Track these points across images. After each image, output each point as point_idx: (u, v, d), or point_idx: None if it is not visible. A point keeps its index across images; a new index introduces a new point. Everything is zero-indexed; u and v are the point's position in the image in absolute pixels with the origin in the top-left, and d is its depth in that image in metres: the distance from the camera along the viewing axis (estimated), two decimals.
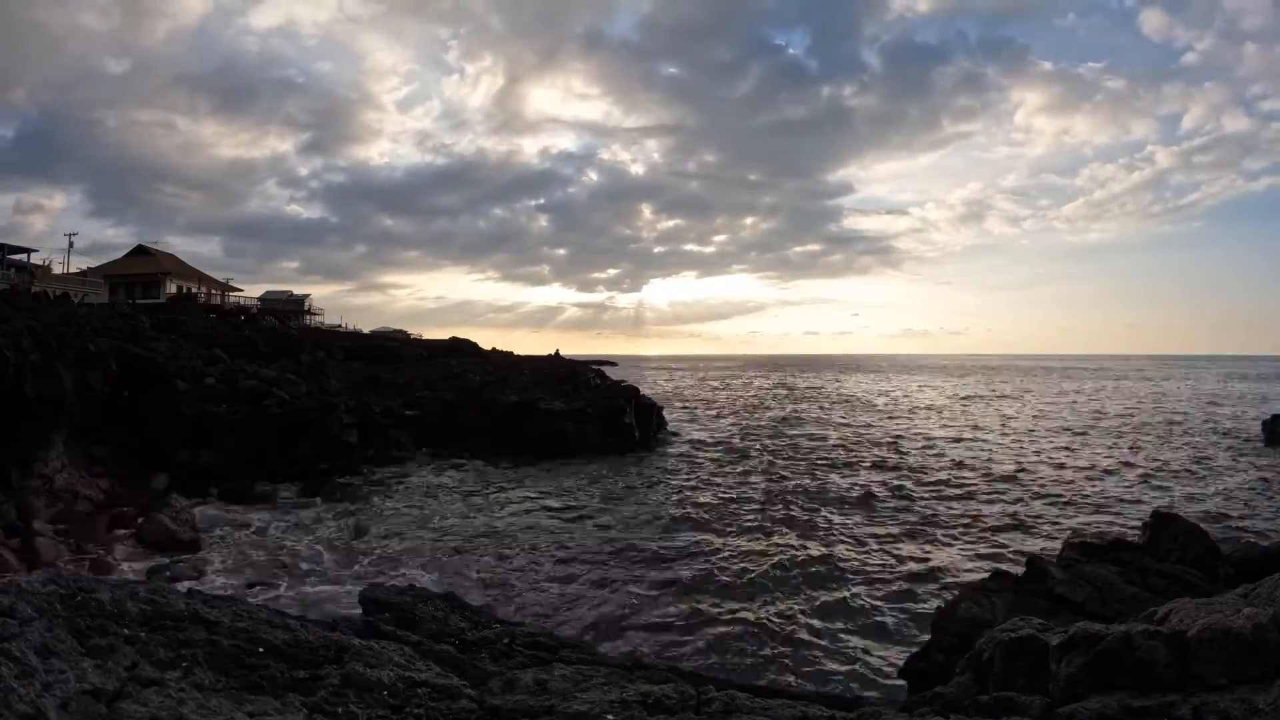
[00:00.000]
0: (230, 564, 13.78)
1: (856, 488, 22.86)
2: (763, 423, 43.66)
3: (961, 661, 5.44)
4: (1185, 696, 3.66)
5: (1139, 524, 9.55)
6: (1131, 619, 4.85)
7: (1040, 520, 18.67)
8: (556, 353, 65.63)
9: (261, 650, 3.39)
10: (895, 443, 34.22)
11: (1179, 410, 50.57)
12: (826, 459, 29.19)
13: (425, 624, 6.01)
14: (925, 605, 11.67)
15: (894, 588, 13.14)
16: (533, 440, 28.49)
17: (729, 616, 11.63)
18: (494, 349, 61.66)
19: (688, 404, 56.47)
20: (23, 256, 47.09)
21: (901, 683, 8.08)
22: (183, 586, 5.74)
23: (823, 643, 10.67)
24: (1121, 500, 21.36)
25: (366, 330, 64.77)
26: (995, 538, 16.90)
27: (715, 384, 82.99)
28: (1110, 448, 32.38)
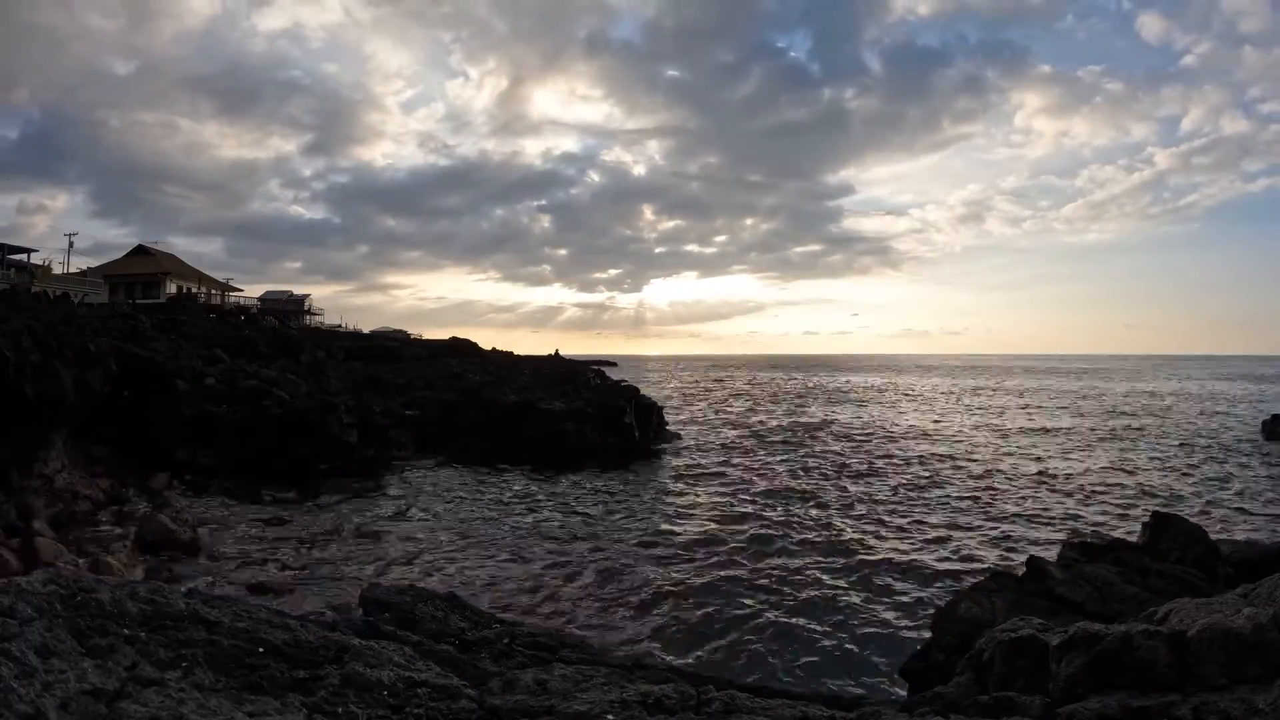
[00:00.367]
0: (230, 564, 13.77)
1: (857, 487, 22.86)
2: (763, 422, 43.65)
3: (961, 661, 5.44)
4: (1185, 696, 3.66)
5: (1139, 524, 9.56)
6: (1131, 619, 4.85)
7: (1040, 520, 18.68)
8: (556, 353, 65.68)
9: (261, 650, 3.38)
10: (896, 442, 34.22)
11: (1178, 410, 50.57)
12: (827, 459, 29.19)
13: (425, 624, 6.01)
14: (925, 605, 11.67)
15: (894, 587, 13.14)
16: (532, 440, 28.48)
17: (729, 616, 11.63)
18: (494, 349, 61.68)
19: (688, 404, 56.48)
20: (23, 256, 47.12)
21: (902, 683, 8.09)
22: (182, 587, 5.75)
23: (823, 643, 10.67)
24: (1121, 500, 21.36)
25: (366, 330, 64.81)
26: (995, 537, 16.90)
27: (715, 383, 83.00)
28: (1110, 448, 32.39)
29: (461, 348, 57.39)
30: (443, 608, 6.47)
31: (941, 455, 30.39)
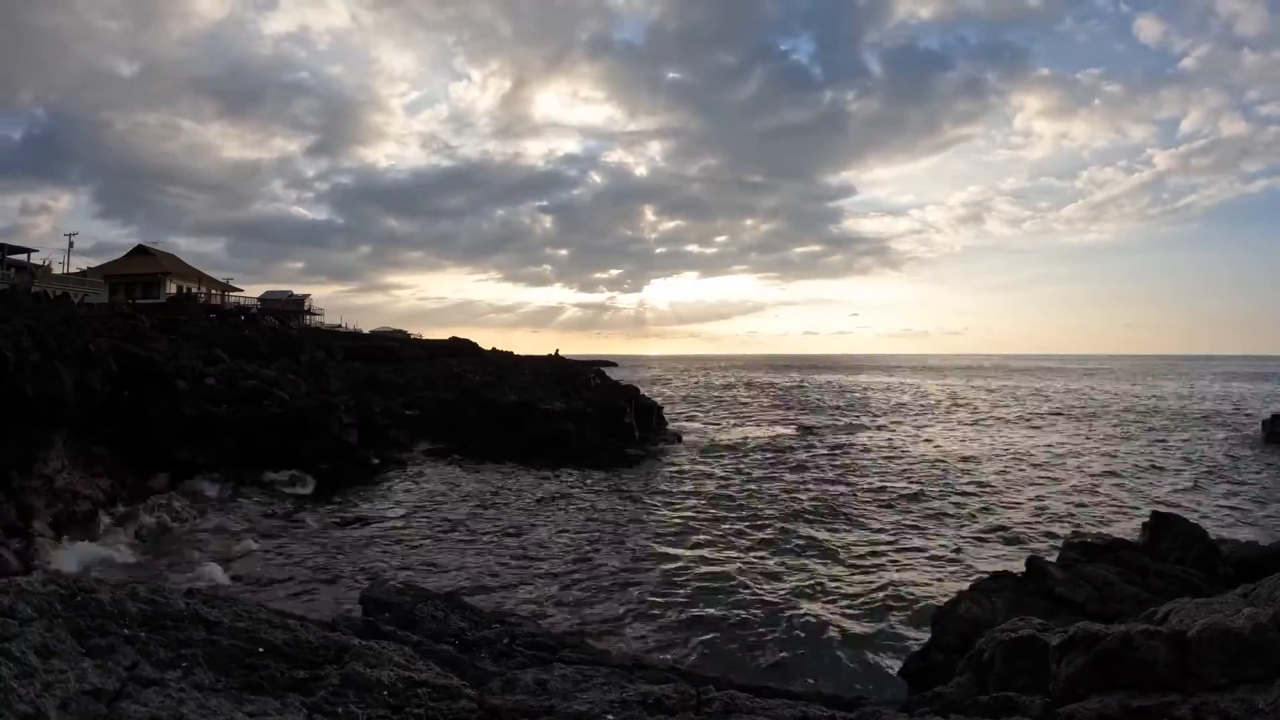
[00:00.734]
0: (230, 563, 13.77)
1: (857, 486, 22.86)
2: (763, 421, 43.66)
3: (962, 661, 5.44)
4: (1185, 696, 3.66)
5: (1139, 524, 9.56)
6: (1131, 619, 4.85)
7: (1040, 520, 18.67)
8: (556, 353, 65.65)
9: (261, 650, 3.39)
10: (895, 440, 34.23)
11: (1178, 410, 50.58)
12: (827, 458, 29.19)
13: (425, 624, 6.01)
14: (925, 605, 11.67)
15: (894, 587, 13.13)
16: (533, 440, 28.49)
17: (729, 616, 11.63)
18: (494, 349, 61.65)
19: (688, 404, 56.47)
20: (23, 256, 47.11)
21: (902, 683, 8.09)
22: (182, 586, 5.76)
23: (823, 643, 10.67)
24: (1121, 500, 21.36)
25: (366, 330, 64.79)
26: (995, 537, 16.90)
27: (715, 383, 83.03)
28: (1109, 447, 32.38)
29: (461, 348, 57.38)
30: (443, 608, 6.48)
31: (942, 454, 30.39)
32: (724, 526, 17.67)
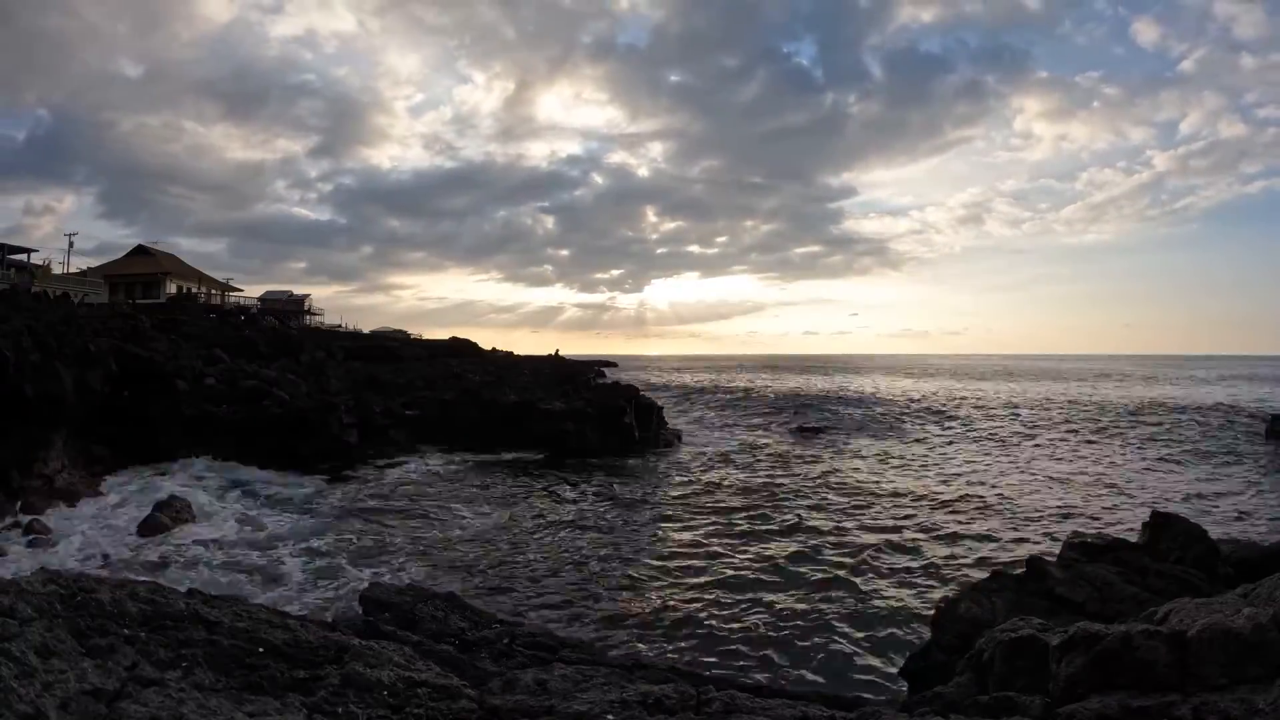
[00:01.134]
0: (230, 563, 13.76)
1: (857, 486, 22.87)
2: (763, 421, 43.66)
3: (962, 661, 5.44)
4: (1185, 696, 3.66)
5: (1139, 524, 9.55)
6: (1131, 619, 4.85)
7: (1040, 520, 18.67)
8: (557, 353, 65.71)
9: (261, 650, 3.39)
10: (895, 440, 34.24)
11: (1178, 410, 50.57)
12: (827, 458, 29.20)
13: (425, 624, 6.01)
14: (925, 605, 11.67)
15: (894, 588, 13.13)
16: (532, 440, 28.51)
17: (729, 616, 11.63)
18: (494, 349, 61.68)
19: (689, 404, 56.47)
20: (23, 256, 47.12)
21: (902, 683, 8.08)
22: (181, 585, 5.75)
23: (823, 643, 10.67)
24: (1121, 500, 21.36)
25: (366, 330, 64.76)
26: (995, 537, 16.89)
27: (715, 383, 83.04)
28: (1109, 447, 32.39)
29: (461, 348, 57.36)
30: (443, 607, 6.47)
31: (942, 454, 30.39)
32: (723, 526, 17.67)
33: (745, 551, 15.46)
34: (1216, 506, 20.36)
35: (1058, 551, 8.74)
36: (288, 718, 2.92)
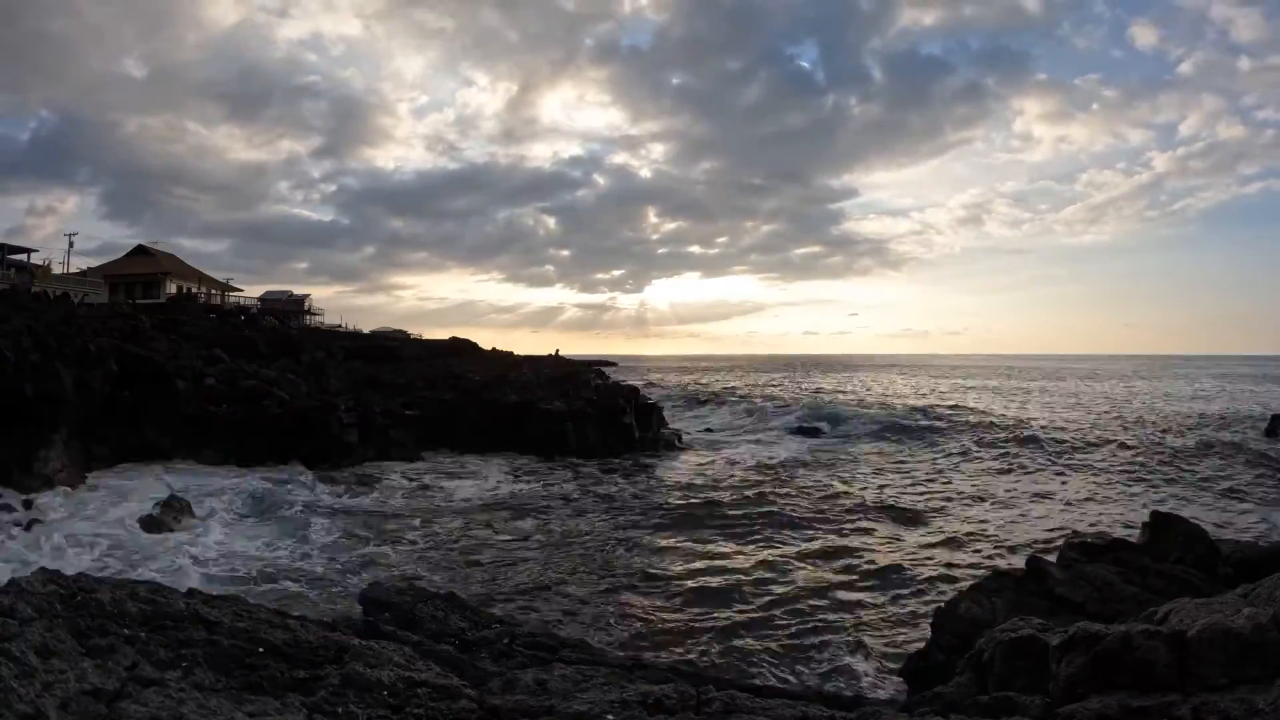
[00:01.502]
0: (229, 563, 13.76)
1: (857, 486, 22.87)
2: (761, 421, 43.64)
3: (962, 661, 5.44)
4: (1185, 696, 3.66)
5: (1139, 524, 9.55)
6: (1131, 619, 4.85)
7: (1040, 520, 18.67)
8: (557, 352, 65.67)
9: (261, 650, 3.39)
10: (893, 441, 34.22)
11: (1178, 409, 50.56)
12: (828, 458, 29.19)
13: (425, 624, 6.01)
14: (925, 605, 11.67)
15: (894, 588, 13.13)
16: (532, 440, 28.51)
17: (729, 616, 11.63)
18: (494, 349, 61.60)
19: (689, 403, 56.46)
20: (23, 256, 47.11)
21: (902, 683, 8.09)
22: (181, 585, 5.75)
23: (823, 643, 10.67)
24: (1120, 500, 21.36)
25: (366, 330, 64.71)
26: (995, 537, 16.89)
27: (715, 383, 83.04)
28: (1109, 447, 32.37)
29: (461, 347, 57.31)
30: (443, 607, 6.47)
31: (941, 455, 30.39)
32: (723, 526, 17.67)
33: (744, 551, 15.46)
34: (1217, 506, 20.35)
35: (1057, 552, 8.75)
36: (288, 718, 2.92)
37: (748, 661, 10.04)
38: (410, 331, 70.65)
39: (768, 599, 12.47)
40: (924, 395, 63.09)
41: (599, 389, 36.16)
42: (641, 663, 6.12)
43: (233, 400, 24.01)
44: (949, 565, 14.58)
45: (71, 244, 58.01)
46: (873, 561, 14.74)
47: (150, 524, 15.21)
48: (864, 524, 18.00)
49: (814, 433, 38.21)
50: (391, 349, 47.78)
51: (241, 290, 63.99)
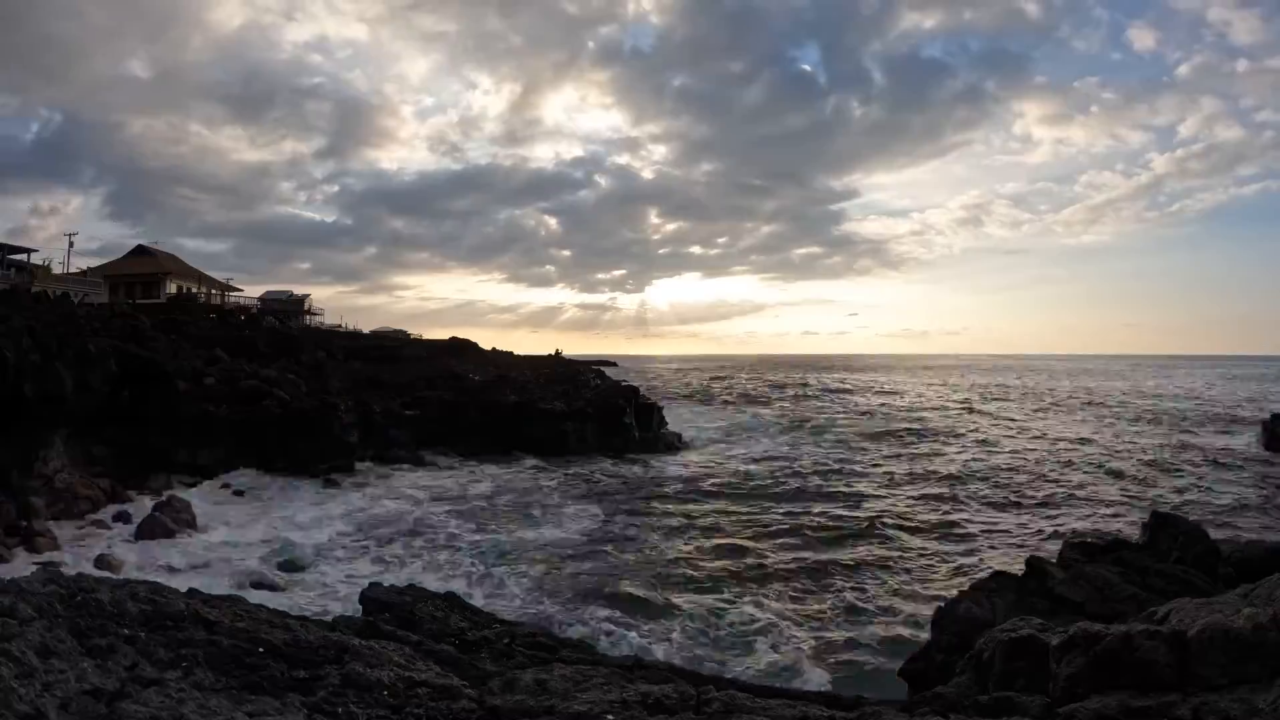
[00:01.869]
0: (229, 562, 13.76)
1: (857, 487, 22.86)
2: (761, 420, 43.63)
3: (961, 661, 5.44)
4: (1185, 696, 3.65)
5: (1139, 524, 9.55)
6: (1131, 619, 4.85)
7: (1040, 521, 18.67)
8: (557, 353, 65.72)
9: (261, 650, 3.38)
10: (896, 440, 34.21)
11: (1178, 410, 50.56)
12: (826, 457, 29.18)
13: (425, 624, 6.01)
14: (925, 605, 11.67)
15: (894, 588, 13.14)
16: (533, 440, 28.50)
17: (729, 617, 11.63)
18: (494, 349, 61.58)
19: (689, 403, 56.44)
20: (23, 256, 47.07)
21: (902, 683, 8.08)
22: (181, 585, 5.74)
23: (823, 642, 10.67)
24: (1120, 500, 21.36)
25: (366, 330, 64.67)
26: (995, 537, 16.90)
27: (715, 383, 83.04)
28: (1109, 447, 32.37)
29: (461, 347, 57.28)
30: (443, 607, 6.47)
31: (941, 455, 30.38)
32: (724, 526, 17.67)
33: (744, 551, 15.47)
34: (1216, 506, 20.35)
35: (1058, 551, 8.74)
36: (288, 718, 2.92)
37: (748, 661, 10.04)
38: (411, 331, 70.63)
39: (767, 597, 12.48)
40: (922, 396, 63.09)
41: (599, 389, 36.17)
42: (641, 663, 6.11)
43: (233, 400, 23.99)
44: (949, 565, 14.58)
45: (71, 244, 57.97)
46: (872, 561, 14.74)
47: (149, 527, 15.18)
48: (864, 524, 18.00)
49: (811, 432, 38.20)
50: (391, 349, 47.77)
51: (242, 290, 63.94)
